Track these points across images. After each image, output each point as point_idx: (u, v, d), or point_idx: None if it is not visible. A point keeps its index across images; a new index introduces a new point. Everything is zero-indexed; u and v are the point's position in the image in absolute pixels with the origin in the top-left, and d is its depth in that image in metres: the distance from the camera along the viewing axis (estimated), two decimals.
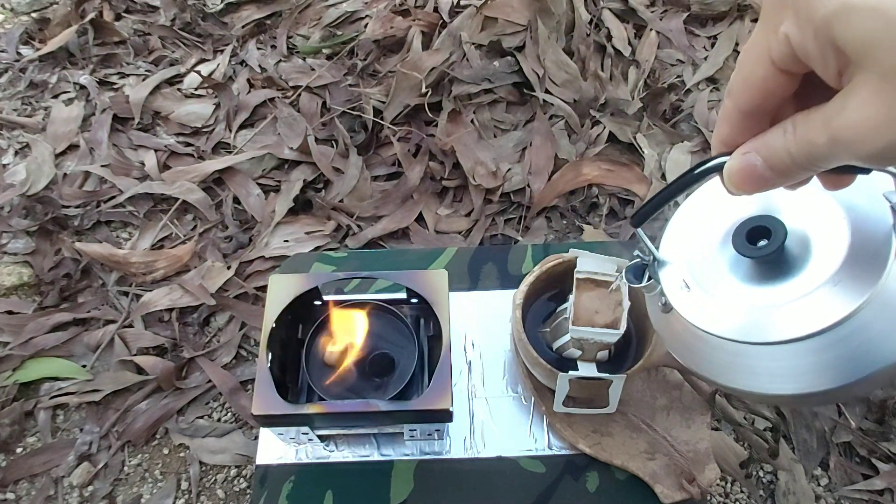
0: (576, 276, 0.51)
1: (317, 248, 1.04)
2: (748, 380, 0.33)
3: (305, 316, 0.59)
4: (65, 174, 1.14)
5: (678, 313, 0.35)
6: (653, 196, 0.34)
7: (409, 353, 0.55)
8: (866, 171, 0.26)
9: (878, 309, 0.28)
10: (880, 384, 0.30)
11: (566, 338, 0.52)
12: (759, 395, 0.33)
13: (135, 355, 0.94)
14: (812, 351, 0.30)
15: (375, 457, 0.59)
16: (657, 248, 0.38)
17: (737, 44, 1.27)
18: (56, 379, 0.93)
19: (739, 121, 0.27)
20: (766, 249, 0.32)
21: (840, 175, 0.27)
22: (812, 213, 0.32)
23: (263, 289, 0.98)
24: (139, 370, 0.93)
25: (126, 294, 1.00)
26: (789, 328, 0.30)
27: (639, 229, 0.37)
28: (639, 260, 0.38)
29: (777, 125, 0.25)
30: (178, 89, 1.26)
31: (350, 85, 1.23)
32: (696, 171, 0.30)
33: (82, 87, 1.25)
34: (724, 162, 0.27)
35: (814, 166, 0.24)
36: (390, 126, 1.15)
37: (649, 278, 0.38)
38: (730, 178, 0.27)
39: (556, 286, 0.61)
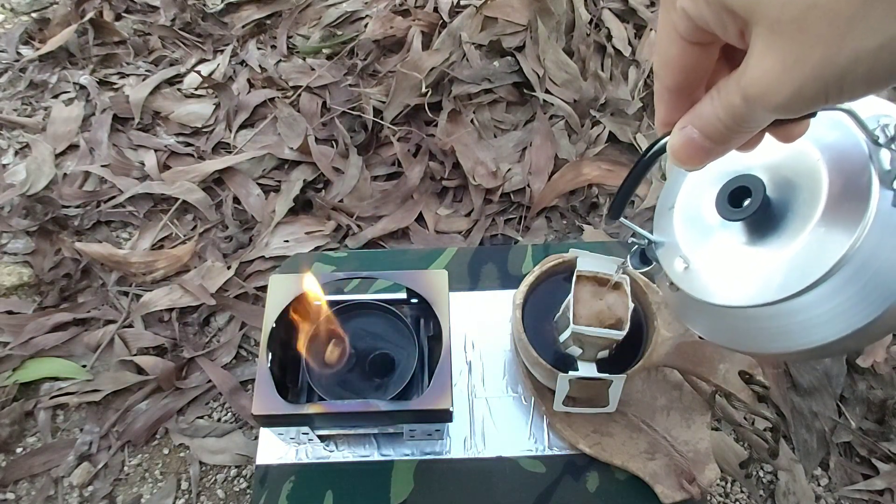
0: (576, 274, 0.51)
1: (317, 248, 1.04)
2: (768, 342, 0.33)
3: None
4: (65, 174, 1.14)
5: (685, 292, 0.35)
6: (619, 188, 0.34)
7: (409, 353, 0.55)
8: (810, 115, 0.25)
9: (875, 240, 0.28)
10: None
11: (567, 333, 0.52)
12: (783, 355, 0.33)
13: (135, 355, 0.94)
14: (823, 299, 0.30)
15: (375, 457, 0.59)
16: (651, 232, 0.38)
17: None
18: (56, 379, 0.93)
19: (671, 100, 0.27)
20: (749, 209, 0.32)
21: (787, 126, 0.26)
22: (789, 160, 0.32)
23: (263, 289, 0.98)
24: (139, 370, 0.93)
25: (126, 294, 1.00)
26: (793, 281, 0.30)
27: (622, 219, 0.37)
28: (638, 245, 0.39)
29: (706, 94, 0.25)
30: (178, 89, 1.26)
31: (350, 85, 1.23)
32: (646, 156, 0.30)
33: (82, 87, 1.25)
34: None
35: (744, 127, 0.24)
36: (390, 126, 1.15)
37: (651, 262, 0.38)
38: (674, 155, 0.27)
39: (557, 286, 0.61)
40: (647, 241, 0.38)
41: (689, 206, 0.37)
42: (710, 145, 0.26)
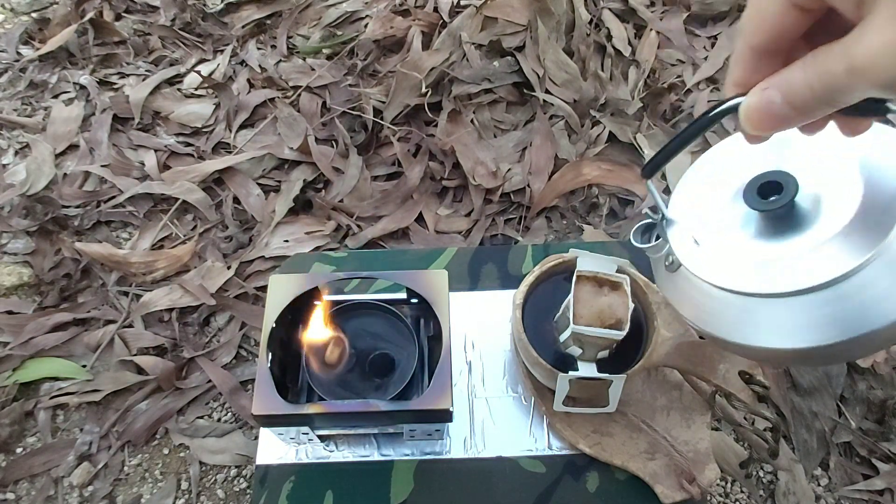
0: (576, 274, 0.51)
1: (317, 248, 1.04)
2: (754, 335, 0.33)
3: (305, 316, 0.59)
4: (65, 174, 1.14)
5: (687, 270, 0.35)
6: (666, 144, 0.33)
7: (409, 353, 0.55)
8: (885, 111, 0.25)
9: (882, 267, 0.29)
10: (881, 345, 0.31)
11: (567, 333, 0.52)
12: (765, 351, 0.33)
13: (135, 355, 0.94)
14: (815, 305, 0.30)
15: (375, 457, 0.59)
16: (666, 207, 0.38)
17: None
18: (56, 379, 0.93)
19: (752, 60, 0.26)
20: (776, 203, 0.32)
21: (858, 118, 0.26)
22: (826, 171, 0.33)
23: (263, 289, 0.98)
24: (139, 370, 0.93)
25: (126, 294, 1.00)
26: (794, 280, 0.30)
27: (649, 182, 0.36)
28: (647, 220, 0.38)
29: (796, 61, 0.24)
30: (178, 89, 1.26)
31: (350, 85, 1.23)
32: (712, 114, 0.29)
33: (82, 87, 1.25)
34: (740, 102, 0.27)
35: (834, 100, 0.24)
36: (390, 126, 1.15)
37: (656, 238, 0.38)
38: (748, 117, 0.26)
39: (557, 286, 0.61)
40: (661, 215, 0.38)
41: (712, 190, 0.37)
42: (790, 113, 0.25)
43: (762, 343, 0.33)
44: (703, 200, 0.37)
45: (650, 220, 0.39)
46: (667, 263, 0.37)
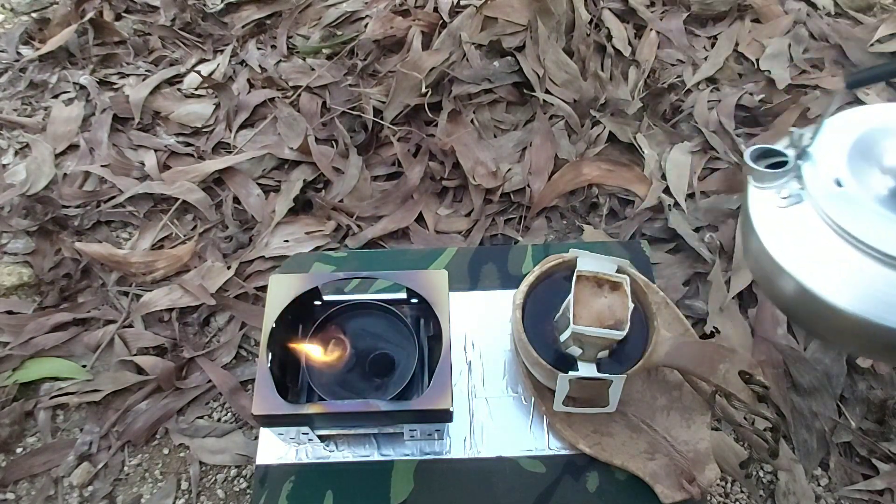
0: (576, 274, 0.52)
1: (317, 248, 1.04)
2: (854, 295, 0.32)
3: (305, 316, 0.59)
4: (65, 174, 1.14)
5: (816, 209, 0.34)
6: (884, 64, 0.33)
7: (409, 353, 0.56)
8: None
9: None
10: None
11: (567, 333, 0.52)
12: (848, 317, 0.32)
13: (135, 355, 0.94)
14: None
15: (375, 457, 0.59)
16: (812, 141, 0.36)
17: (737, 44, 1.27)
18: (56, 379, 0.93)
19: None
20: None
21: None
22: None
23: (263, 289, 0.98)
24: (139, 370, 0.93)
25: (126, 294, 1.00)
26: None
27: (841, 94, 0.35)
28: (767, 146, 0.36)
29: None
30: (178, 89, 1.26)
31: (350, 85, 1.23)
32: None
33: (82, 87, 1.25)
34: None
35: None
36: (390, 126, 1.15)
37: (776, 165, 0.36)
38: None
39: (557, 286, 0.61)
40: (806, 145, 0.36)
41: (867, 144, 0.36)
42: None
43: (850, 306, 0.32)
44: (858, 148, 0.36)
45: (770, 147, 0.37)
46: (784, 195, 0.36)
